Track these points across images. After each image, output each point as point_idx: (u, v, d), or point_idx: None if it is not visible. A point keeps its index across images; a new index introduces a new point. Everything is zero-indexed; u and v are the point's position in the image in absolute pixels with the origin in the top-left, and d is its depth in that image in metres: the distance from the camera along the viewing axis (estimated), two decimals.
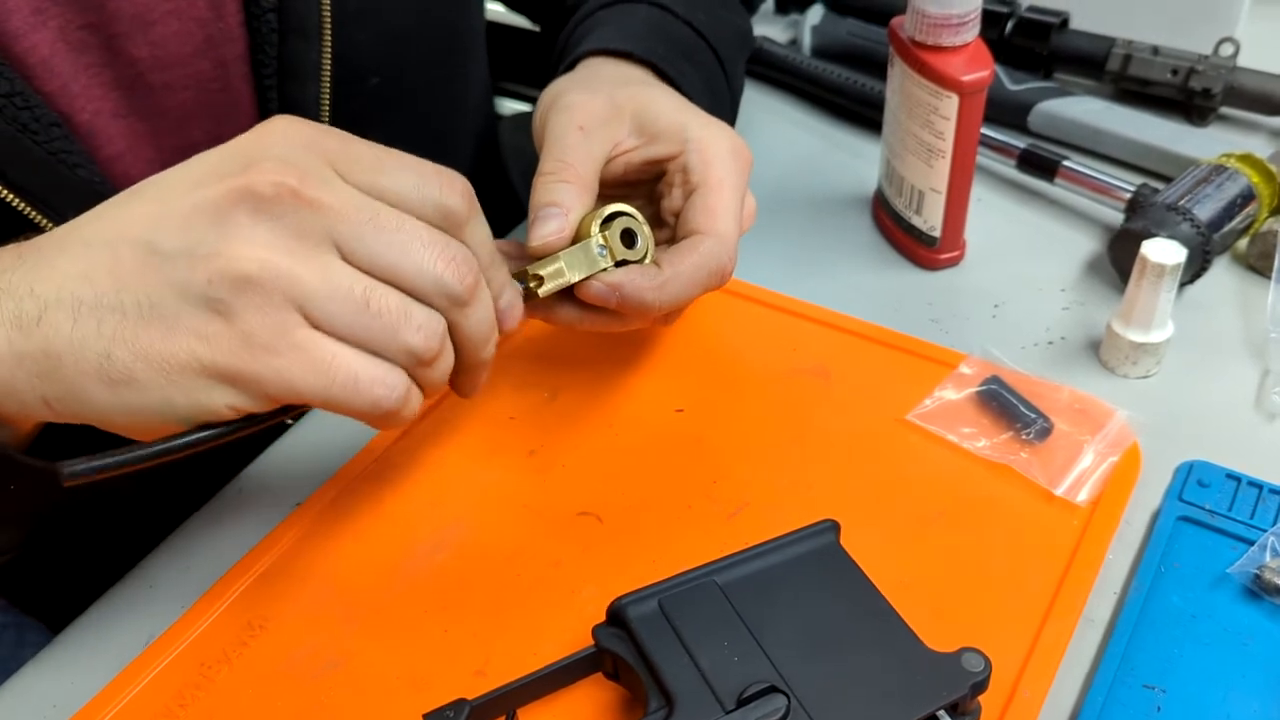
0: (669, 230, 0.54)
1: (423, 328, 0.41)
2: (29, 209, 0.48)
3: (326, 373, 0.39)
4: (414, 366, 0.42)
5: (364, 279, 0.40)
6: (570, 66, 0.61)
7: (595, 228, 0.49)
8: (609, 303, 0.49)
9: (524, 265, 0.49)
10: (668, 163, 0.53)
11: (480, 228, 0.45)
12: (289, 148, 0.41)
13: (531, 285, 0.48)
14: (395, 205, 0.41)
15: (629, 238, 0.50)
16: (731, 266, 0.52)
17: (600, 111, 0.53)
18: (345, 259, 0.40)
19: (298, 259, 0.39)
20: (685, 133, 0.53)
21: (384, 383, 0.40)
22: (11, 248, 0.40)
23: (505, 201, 0.83)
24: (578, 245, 0.49)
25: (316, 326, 0.39)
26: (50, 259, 0.39)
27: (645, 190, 0.56)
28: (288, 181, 0.39)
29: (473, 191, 0.44)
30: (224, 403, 0.39)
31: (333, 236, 0.40)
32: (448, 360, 0.43)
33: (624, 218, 0.50)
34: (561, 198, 0.49)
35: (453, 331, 0.43)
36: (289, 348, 0.38)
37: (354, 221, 0.40)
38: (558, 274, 0.48)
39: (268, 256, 0.38)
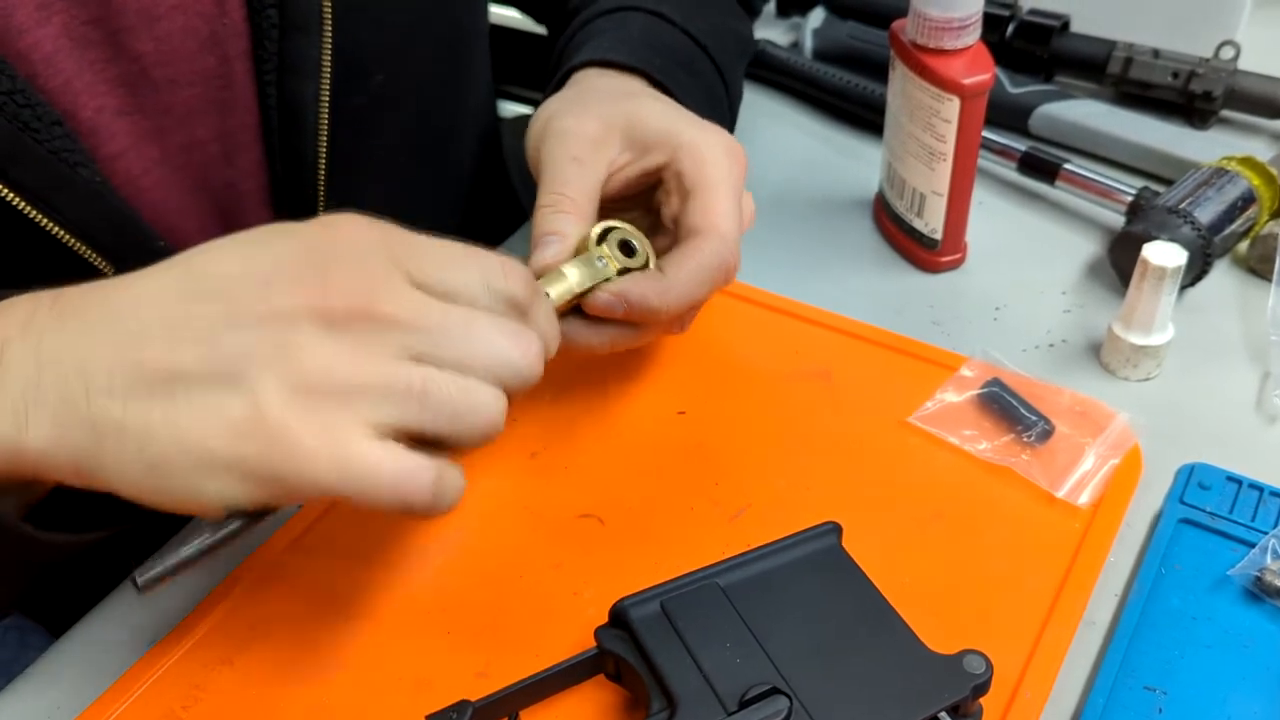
0: (670, 236, 0.54)
1: (481, 406, 0.41)
2: (28, 208, 0.48)
3: (343, 463, 0.38)
4: (474, 445, 0.42)
5: (425, 370, 0.40)
6: (563, 78, 0.60)
7: (592, 242, 0.50)
8: (616, 312, 0.49)
9: None
10: (662, 171, 0.53)
11: (543, 306, 0.46)
12: (359, 251, 0.41)
13: None
14: (463, 300, 0.42)
15: (626, 248, 0.50)
16: (736, 263, 0.51)
17: (592, 136, 0.53)
18: (418, 363, 0.40)
19: (361, 367, 0.39)
20: (676, 138, 0.53)
21: (412, 479, 0.39)
22: (47, 303, 0.40)
23: (507, 204, 0.83)
24: (578, 258, 0.49)
25: (379, 426, 0.39)
26: (96, 332, 0.39)
27: (643, 201, 0.56)
28: (359, 301, 0.39)
29: (532, 277, 0.45)
30: (242, 494, 0.38)
31: (405, 346, 0.40)
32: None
33: (617, 231, 0.51)
34: (561, 227, 0.50)
35: None
36: (320, 443, 0.38)
37: (424, 329, 0.40)
38: (564, 286, 0.48)
39: (332, 366, 0.38)
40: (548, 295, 0.48)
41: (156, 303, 0.39)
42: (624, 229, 0.51)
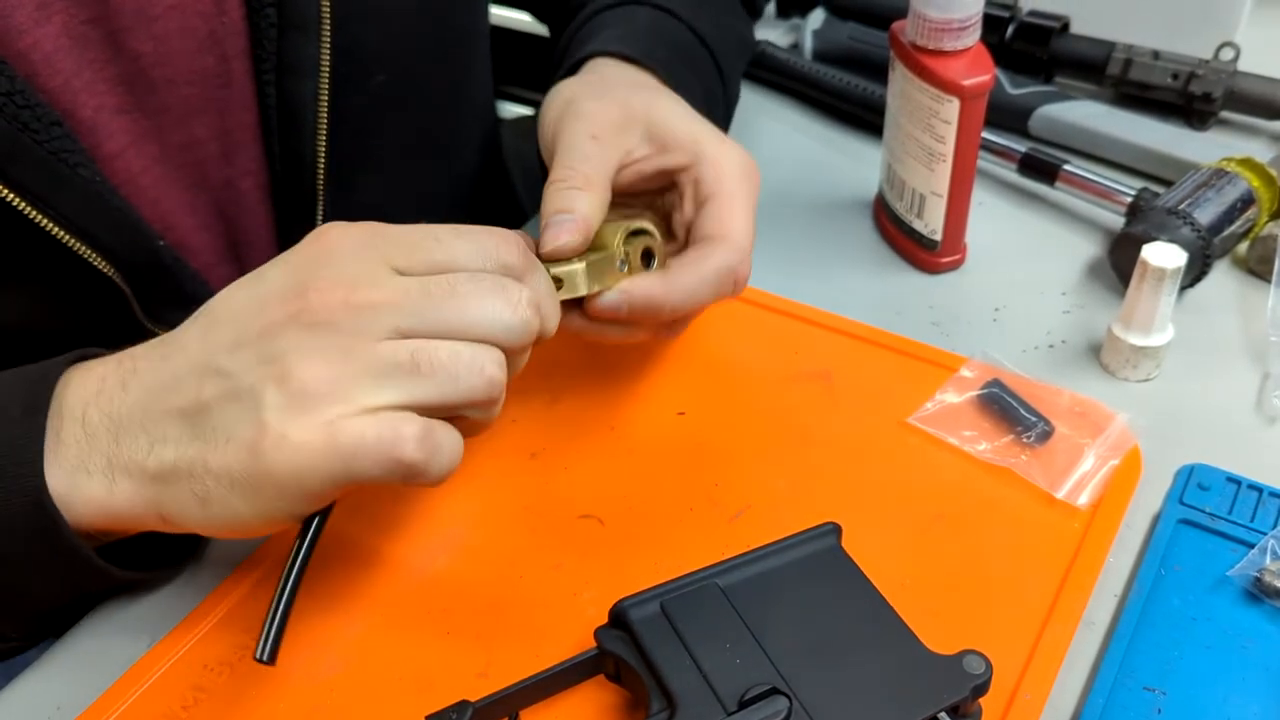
0: (678, 244, 0.54)
1: (475, 364, 0.41)
2: (28, 208, 0.48)
3: (333, 446, 0.39)
4: (482, 407, 0.42)
5: (412, 344, 0.41)
6: (575, 67, 0.61)
7: (618, 242, 0.49)
8: (620, 313, 0.49)
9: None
10: (678, 174, 0.53)
11: (542, 278, 0.46)
12: (342, 257, 0.42)
13: None
14: (453, 272, 0.42)
15: (648, 258, 0.50)
16: (746, 272, 0.52)
17: (614, 120, 0.53)
18: (408, 339, 0.41)
19: (348, 358, 0.40)
20: (699, 146, 0.53)
21: (396, 434, 0.39)
22: (113, 365, 0.43)
23: (507, 205, 0.83)
24: (601, 256, 0.49)
25: (381, 409, 0.40)
26: (149, 389, 0.42)
27: (646, 200, 0.56)
28: (337, 296, 0.41)
29: (527, 245, 0.45)
30: (276, 508, 0.40)
31: (391, 326, 0.41)
32: (502, 399, 0.43)
33: (645, 236, 0.50)
34: (575, 204, 0.49)
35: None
36: (316, 439, 0.39)
37: (407, 305, 0.41)
38: (573, 282, 0.48)
39: (320, 367, 0.40)
40: (559, 280, 0.48)
41: (186, 349, 0.43)
42: (649, 232, 0.50)
